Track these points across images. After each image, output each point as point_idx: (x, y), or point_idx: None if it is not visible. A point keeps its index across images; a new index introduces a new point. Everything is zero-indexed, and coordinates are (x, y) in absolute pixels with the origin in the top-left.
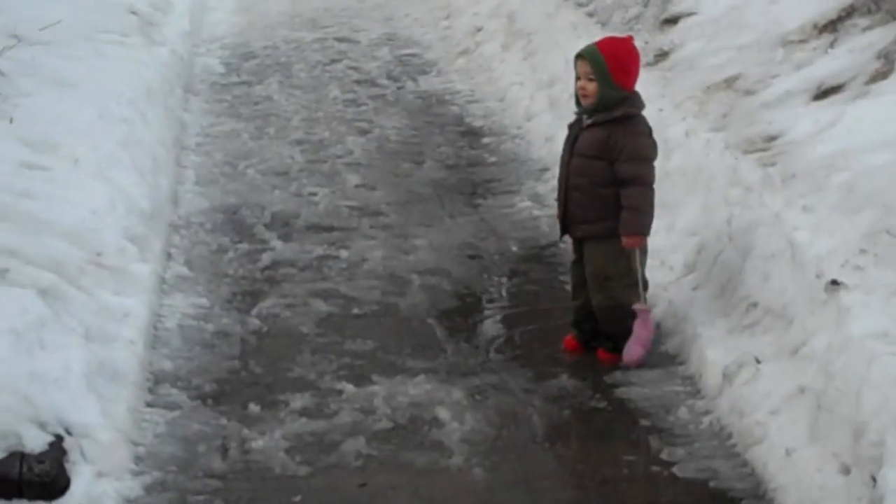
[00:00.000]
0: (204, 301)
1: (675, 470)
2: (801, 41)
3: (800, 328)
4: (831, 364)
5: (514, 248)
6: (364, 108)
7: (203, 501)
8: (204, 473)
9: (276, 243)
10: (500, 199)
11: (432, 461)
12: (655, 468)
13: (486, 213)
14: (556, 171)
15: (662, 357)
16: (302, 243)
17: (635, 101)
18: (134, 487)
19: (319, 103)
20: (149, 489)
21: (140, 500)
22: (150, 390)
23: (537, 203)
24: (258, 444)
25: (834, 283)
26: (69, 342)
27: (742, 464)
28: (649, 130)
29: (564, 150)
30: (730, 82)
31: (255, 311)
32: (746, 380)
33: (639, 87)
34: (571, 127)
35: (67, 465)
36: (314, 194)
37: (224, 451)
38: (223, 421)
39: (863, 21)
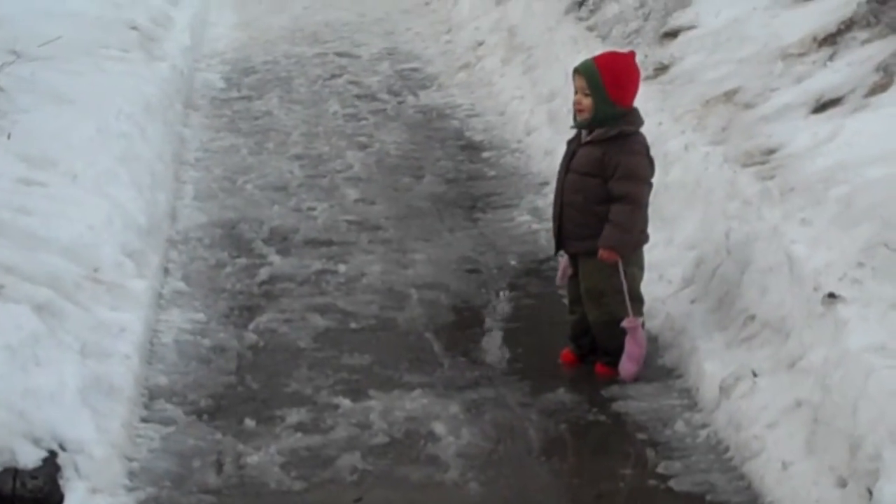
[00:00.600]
0: (201, 316)
1: (671, 483)
2: (801, 54)
3: (797, 341)
4: (828, 377)
5: (513, 262)
6: (364, 122)
7: None
8: (198, 489)
9: (275, 258)
10: (499, 213)
11: (428, 476)
12: (652, 482)
13: (486, 227)
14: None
15: (660, 370)
16: (300, 258)
17: (633, 119)
18: (127, 503)
19: (319, 118)
20: None
21: None
22: (146, 405)
23: (536, 217)
24: (253, 459)
25: (831, 296)
26: (64, 358)
27: (739, 477)
28: (646, 149)
29: (561, 166)
30: (729, 96)
31: (252, 326)
32: (744, 393)
33: (638, 100)
34: (570, 143)
35: (61, 481)
36: (313, 209)
37: (219, 466)
38: (218, 436)
39: (862, 34)
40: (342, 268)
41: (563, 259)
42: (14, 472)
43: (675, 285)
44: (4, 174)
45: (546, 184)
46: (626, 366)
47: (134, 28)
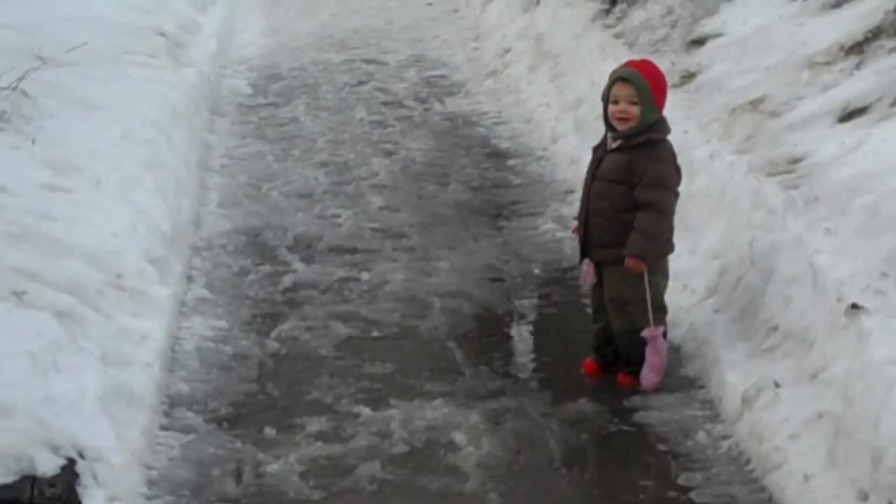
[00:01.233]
0: (223, 323)
1: (692, 495)
2: (828, 63)
3: (820, 353)
4: (850, 389)
5: (537, 271)
6: (390, 129)
7: None
8: (217, 498)
9: (298, 265)
10: (523, 221)
11: (447, 486)
12: (672, 493)
13: (510, 235)
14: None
15: (682, 381)
16: (324, 265)
17: (661, 126)
18: None
19: (346, 125)
20: None
21: None
22: (166, 413)
23: (561, 225)
24: (272, 467)
25: (854, 307)
26: (85, 365)
27: (760, 489)
28: (674, 157)
29: (588, 173)
30: (755, 104)
31: (274, 334)
32: (766, 404)
33: (665, 108)
34: (595, 150)
35: (79, 489)
36: (337, 216)
37: (238, 475)
38: (238, 444)
39: (889, 43)
40: (365, 275)
41: (587, 265)
42: (32, 480)
43: (698, 295)
44: (28, 180)
45: (571, 192)
46: (648, 376)
47: (161, 34)
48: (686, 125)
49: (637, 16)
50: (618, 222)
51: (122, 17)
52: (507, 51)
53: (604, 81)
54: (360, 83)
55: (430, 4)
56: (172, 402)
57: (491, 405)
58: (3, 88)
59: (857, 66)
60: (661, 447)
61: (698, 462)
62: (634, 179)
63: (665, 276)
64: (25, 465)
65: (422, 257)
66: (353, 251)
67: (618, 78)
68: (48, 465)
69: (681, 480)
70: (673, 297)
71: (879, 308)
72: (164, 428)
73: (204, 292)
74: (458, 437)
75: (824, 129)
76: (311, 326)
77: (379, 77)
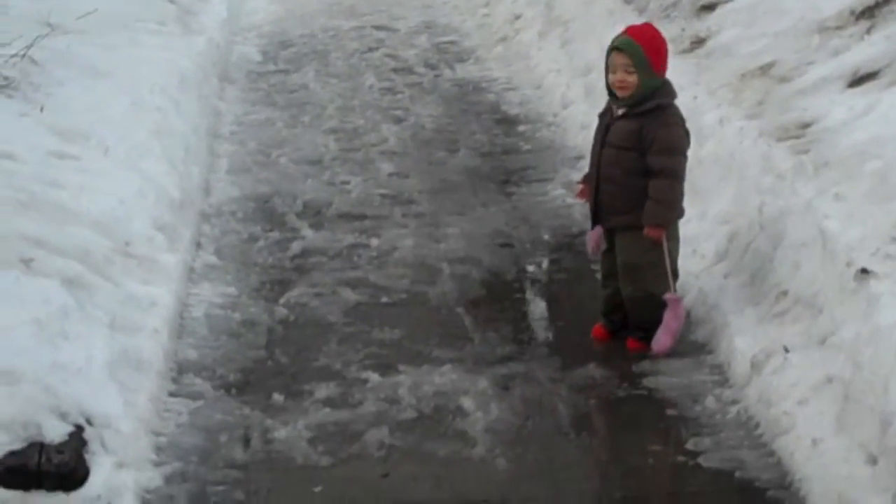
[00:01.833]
0: (232, 290)
1: (700, 460)
2: (838, 27)
3: (829, 317)
4: (860, 354)
5: (546, 237)
6: (400, 96)
7: (223, 492)
8: (225, 464)
9: (307, 232)
10: (533, 187)
11: (456, 451)
12: (681, 458)
13: (520, 201)
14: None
15: (691, 346)
16: (333, 232)
17: (668, 90)
18: (154, 478)
19: (355, 91)
20: (169, 480)
21: (160, 491)
22: (174, 380)
23: (571, 191)
24: (280, 434)
25: (864, 271)
26: (93, 332)
27: (769, 454)
28: (682, 121)
29: (596, 139)
30: (765, 69)
31: (282, 300)
32: (775, 369)
33: (673, 74)
34: (601, 116)
35: (87, 456)
36: (347, 183)
37: (246, 441)
38: (246, 411)
39: None
40: (374, 242)
41: (595, 231)
42: (40, 447)
43: (707, 260)
44: (37, 147)
45: (581, 157)
46: (662, 339)
47: (171, 1)
48: (696, 90)
49: None
50: (629, 188)
51: None
52: (518, 17)
53: None
54: (370, 50)
55: None
56: (181, 369)
57: (500, 371)
58: (13, 55)
59: (868, 31)
60: (670, 412)
61: (707, 427)
62: (645, 146)
63: (678, 239)
64: (33, 432)
65: (431, 223)
66: (362, 217)
67: (612, 47)
68: (56, 432)
69: (689, 445)
70: (682, 262)
71: (889, 273)
72: (172, 394)
73: (213, 259)
74: (467, 403)
75: (834, 95)
76: (320, 293)
77: (389, 43)
